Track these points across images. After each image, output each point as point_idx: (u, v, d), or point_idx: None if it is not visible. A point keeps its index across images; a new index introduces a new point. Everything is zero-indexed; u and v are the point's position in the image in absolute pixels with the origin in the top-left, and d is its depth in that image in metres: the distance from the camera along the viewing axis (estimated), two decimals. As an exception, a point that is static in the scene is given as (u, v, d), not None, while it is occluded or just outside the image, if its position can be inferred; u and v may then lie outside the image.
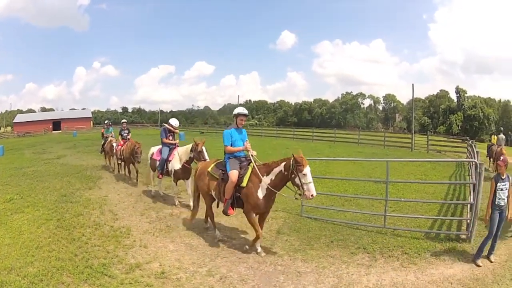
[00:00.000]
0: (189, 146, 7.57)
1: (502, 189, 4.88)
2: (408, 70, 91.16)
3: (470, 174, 10.09)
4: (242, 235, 6.00)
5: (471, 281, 4.36)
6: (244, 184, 5.07)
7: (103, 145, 13.72)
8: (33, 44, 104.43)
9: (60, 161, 16.18)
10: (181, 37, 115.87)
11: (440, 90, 63.97)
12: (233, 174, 5.12)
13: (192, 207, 6.54)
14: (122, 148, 10.82)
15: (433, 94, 64.99)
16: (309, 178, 4.65)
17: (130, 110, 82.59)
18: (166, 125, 8.42)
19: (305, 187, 4.64)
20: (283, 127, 48.09)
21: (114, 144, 12.07)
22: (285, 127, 47.39)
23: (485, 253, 4.94)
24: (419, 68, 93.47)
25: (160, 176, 8.18)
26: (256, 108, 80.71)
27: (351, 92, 72.44)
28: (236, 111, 5.54)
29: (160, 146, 8.45)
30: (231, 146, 5.39)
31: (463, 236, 5.90)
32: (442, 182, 9.95)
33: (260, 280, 4.42)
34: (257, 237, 5.11)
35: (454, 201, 7.90)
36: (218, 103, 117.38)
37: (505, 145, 13.31)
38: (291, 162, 4.74)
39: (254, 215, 5.13)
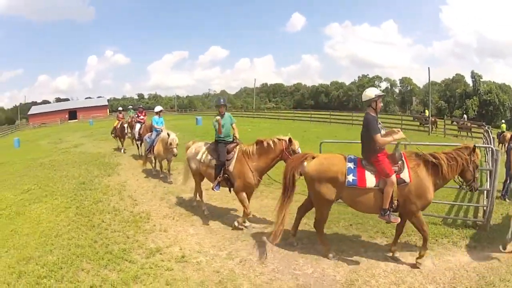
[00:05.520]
0: None
1: None
2: (422, 53, 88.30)
3: (486, 160, 9.92)
4: (262, 217, 5.93)
5: (486, 270, 4.34)
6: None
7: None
8: (41, 39, 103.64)
9: (78, 149, 16.46)
10: (195, 23, 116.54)
11: (456, 74, 62.35)
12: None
13: None
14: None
15: (449, 78, 63.43)
16: None
17: (146, 97, 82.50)
18: None
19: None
20: (300, 110, 47.35)
21: None
22: (303, 110, 46.52)
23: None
24: (432, 51, 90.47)
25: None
26: (273, 91, 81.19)
27: (367, 75, 72.07)
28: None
29: None
30: None
31: (480, 223, 5.83)
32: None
33: (280, 263, 4.46)
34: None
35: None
36: (232, 87, 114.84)
37: None
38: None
39: None
